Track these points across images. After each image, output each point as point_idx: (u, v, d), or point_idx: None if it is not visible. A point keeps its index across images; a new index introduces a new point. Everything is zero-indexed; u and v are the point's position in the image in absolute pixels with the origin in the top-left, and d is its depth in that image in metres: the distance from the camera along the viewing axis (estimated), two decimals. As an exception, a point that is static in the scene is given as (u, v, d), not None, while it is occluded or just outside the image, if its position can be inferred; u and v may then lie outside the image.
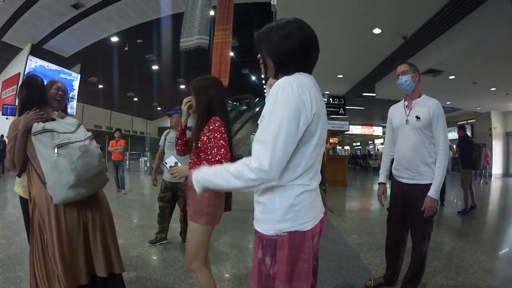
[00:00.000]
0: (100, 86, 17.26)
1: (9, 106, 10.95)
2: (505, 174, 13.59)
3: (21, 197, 1.79)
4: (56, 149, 1.33)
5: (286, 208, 0.86)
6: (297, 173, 0.87)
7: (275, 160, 0.79)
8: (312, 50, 0.96)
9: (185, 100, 1.64)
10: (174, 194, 3.11)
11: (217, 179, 0.88)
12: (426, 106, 1.94)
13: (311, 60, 0.97)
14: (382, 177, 2.22)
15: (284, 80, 0.86)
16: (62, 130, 1.43)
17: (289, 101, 0.82)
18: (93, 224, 1.48)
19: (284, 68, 0.93)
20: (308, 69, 0.97)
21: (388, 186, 2.21)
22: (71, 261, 1.38)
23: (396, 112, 2.14)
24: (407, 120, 2.00)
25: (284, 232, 0.85)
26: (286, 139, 0.80)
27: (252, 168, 0.80)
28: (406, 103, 2.07)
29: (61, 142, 1.35)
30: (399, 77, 2.04)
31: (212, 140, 1.44)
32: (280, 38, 0.91)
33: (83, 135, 1.46)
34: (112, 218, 1.60)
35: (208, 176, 0.91)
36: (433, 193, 1.87)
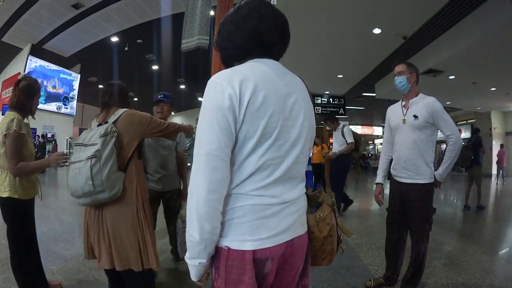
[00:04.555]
0: (100, 86, 17.25)
1: (8, 105, 10.94)
2: (506, 174, 13.58)
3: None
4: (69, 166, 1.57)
5: (226, 220, 0.75)
6: (239, 179, 0.75)
7: (204, 187, 0.69)
8: (257, 26, 0.80)
9: None
10: (165, 205, 2.47)
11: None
12: (424, 104, 1.95)
13: (264, 40, 0.81)
14: (379, 177, 2.23)
15: (214, 76, 0.75)
16: (87, 142, 1.52)
17: (212, 102, 0.72)
18: (104, 222, 1.57)
19: (227, 59, 0.86)
20: (266, 54, 0.83)
21: (387, 186, 2.21)
22: (95, 243, 1.60)
23: (393, 112, 2.14)
24: (404, 120, 2.00)
25: (225, 246, 0.74)
26: (214, 157, 0.69)
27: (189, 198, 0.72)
28: (403, 103, 2.08)
29: (70, 161, 1.54)
30: (395, 77, 2.06)
31: None
32: (223, 28, 0.85)
33: (88, 154, 1.46)
34: (122, 224, 1.57)
35: None
36: (438, 173, 1.98)
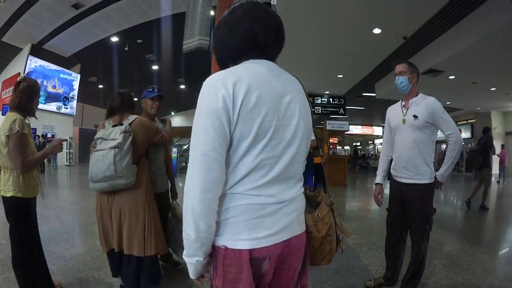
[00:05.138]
0: (100, 86, 17.26)
1: (9, 106, 10.95)
2: (507, 174, 13.58)
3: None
4: (90, 154, 1.83)
5: (223, 219, 0.76)
6: (235, 179, 0.75)
7: (198, 186, 0.71)
8: (250, 28, 0.80)
9: None
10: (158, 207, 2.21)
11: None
12: (423, 104, 1.94)
13: (258, 41, 0.81)
14: (379, 177, 2.22)
15: (208, 78, 0.76)
16: (107, 137, 1.78)
17: (206, 104, 0.73)
18: (116, 209, 1.82)
19: (222, 60, 0.88)
20: (261, 55, 0.83)
21: (387, 186, 2.21)
22: (104, 230, 1.89)
23: (393, 112, 2.14)
24: (404, 120, 2.00)
25: (222, 245, 0.75)
26: (209, 157, 0.70)
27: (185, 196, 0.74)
28: (403, 103, 2.08)
29: (93, 151, 1.81)
30: (396, 77, 2.05)
31: None
32: (218, 30, 0.87)
33: (110, 144, 1.72)
34: (134, 211, 1.83)
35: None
36: (438, 176, 1.97)
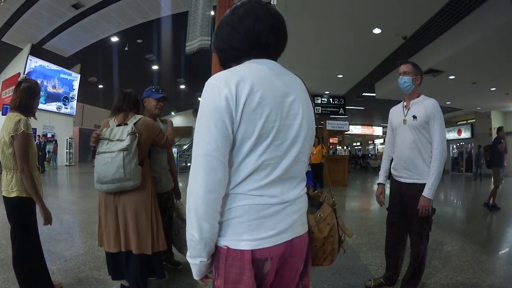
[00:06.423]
0: (100, 86, 17.26)
1: (9, 106, 10.94)
2: (505, 174, 13.58)
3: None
4: (96, 155, 1.82)
5: (225, 220, 0.75)
6: (238, 180, 0.75)
7: (202, 187, 0.70)
8: (252, 28, 0.80)
9: None
10: (162, 207, 2.27)
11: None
12: (423, 105, 1.95)
13: (260, 40, 0.81)
14: (381, 177, 2.22)
15: (211, 77, 0.76)
16: (113, 137, 1.79)
17: (209, 104, 0.72)
18: (123, 209, 1.84)
19: (224, 60, 0.88)
20: (263, 54, 0.83)
21: (388, 186, 2.21)
22: (105, 230, 1.89)
23: (395, 112, 2.15)
24: (404, 120, 2.01)
25: (224, 245, 0.75)
26: (212, 158, 0.70)
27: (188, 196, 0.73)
28: (405, 103, 2.08)
29: (98, 151, 1.81)
30: (400, 76, 2.05)
31: None
32: (219, 30, 0.87)
33: (118, 147, 1.74)
34: (141, 210, 1.86)
35: None
36: (427, 193, 1.87)
